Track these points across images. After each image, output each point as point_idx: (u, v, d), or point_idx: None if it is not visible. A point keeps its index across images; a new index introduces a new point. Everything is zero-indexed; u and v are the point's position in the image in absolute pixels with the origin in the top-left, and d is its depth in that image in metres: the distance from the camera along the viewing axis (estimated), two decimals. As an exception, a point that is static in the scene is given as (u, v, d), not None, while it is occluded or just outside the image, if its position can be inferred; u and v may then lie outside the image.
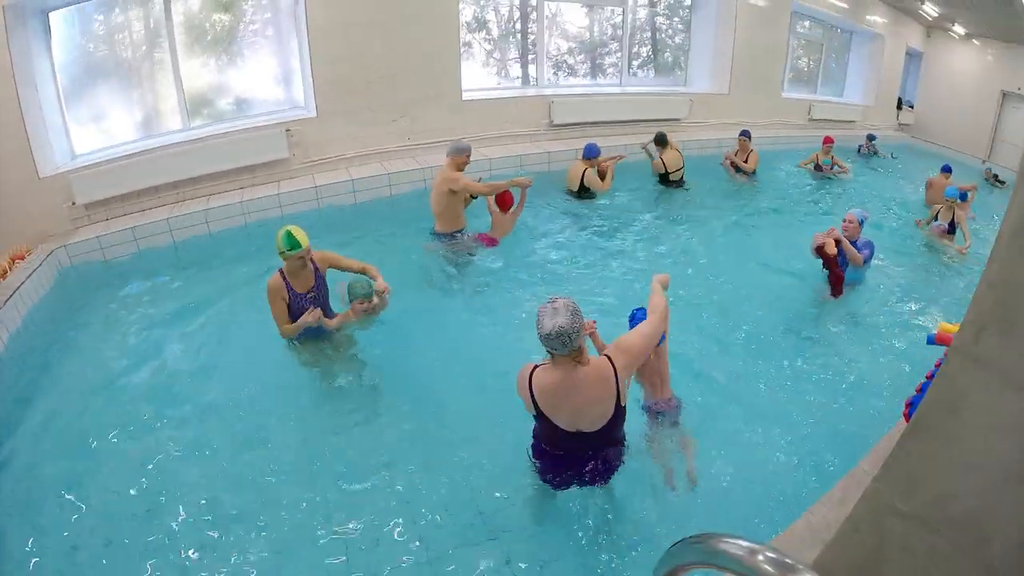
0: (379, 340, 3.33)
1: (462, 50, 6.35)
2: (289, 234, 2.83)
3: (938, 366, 1.89)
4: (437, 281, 4.16)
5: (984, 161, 10.15)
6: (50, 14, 4.52)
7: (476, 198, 4.58)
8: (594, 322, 2.48)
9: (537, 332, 1.87)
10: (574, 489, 2.22)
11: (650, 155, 6.52)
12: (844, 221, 4.16)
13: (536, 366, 2.00)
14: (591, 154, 5.68)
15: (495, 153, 6.24)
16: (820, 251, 3.85)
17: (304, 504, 2.41)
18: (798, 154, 7.85)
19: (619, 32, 7.84)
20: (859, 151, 9.07)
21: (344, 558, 2.17)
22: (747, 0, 7.94)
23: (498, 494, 2.42)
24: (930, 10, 9.69)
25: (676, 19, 8.45)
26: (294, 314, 3.02)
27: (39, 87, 4.42)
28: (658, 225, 5.52)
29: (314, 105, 5.58)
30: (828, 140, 7.43)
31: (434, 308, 3.86)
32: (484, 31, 7.08)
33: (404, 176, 5.68)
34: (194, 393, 3.08)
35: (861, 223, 4.14)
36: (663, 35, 8.49)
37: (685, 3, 8.27)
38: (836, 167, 7.42)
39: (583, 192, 5.74)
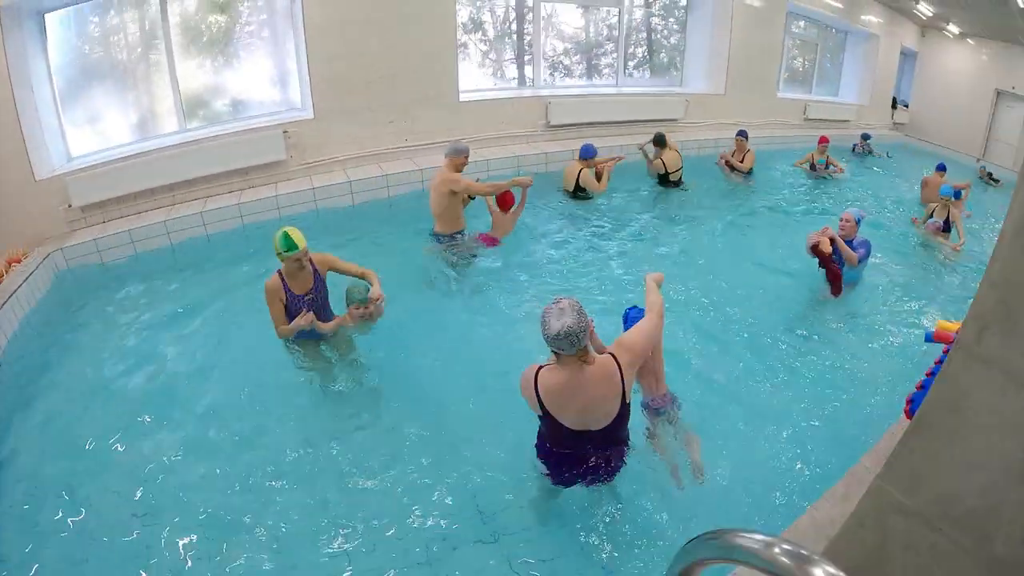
0: (380, 342, 3.32)
1: (458, 51, 6.35)
2: (286, 235, 2.83)
3: (938, 363, 1.90)
4: (438, 282, 4.16)
5: (979, 160, 10.21)
6: (46, 16, 4.50)
7: (474, 199, 4.57)
8: (591, 320, 2.48)
9: (543, 333, 1.87)
10: (578, 489, 2.22)
11: (646, 156, 6.53)
12: (841, 220, 4.18)
13: (540, 367, 2.01)
14: (587, 155, 5.69)
15: (493, 154, 6.24)
16: (815, 250, 3.87)
17: (304, 505, 2.40)
18: (794, 154, 7.88)
19: (615, 33, 7.86)
20: (853, 150, 9.12)
21: (346, 560, 2.17)
22: (743, 0, 7.97)
23: (500, 494, 2.42)
24: (925, 10, 9.75)
25: (671, 19, 8.47)
26: (292, 315, 3.01)
27: (35, 89, 4.40)
28: (656, 225, 5.53)
29: (311, 106, 5.58)
30: (823, 140, 7.46)
31: (435, 309, 3.86)
32: (480, 32, 7.08)
33: (402, 177, 5.67)
34: (193, 395, 3.07)
35: (858, 222, 4.16)
36: (658, 36, 8.50)
37: (681, 3, 8.29)
38: (831, 167, 7.45)
39: (578, 192, 5.75)
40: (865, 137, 9.19)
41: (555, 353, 1.93)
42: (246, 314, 3.66)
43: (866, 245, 4.19)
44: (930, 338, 2.57)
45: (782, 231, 5.44)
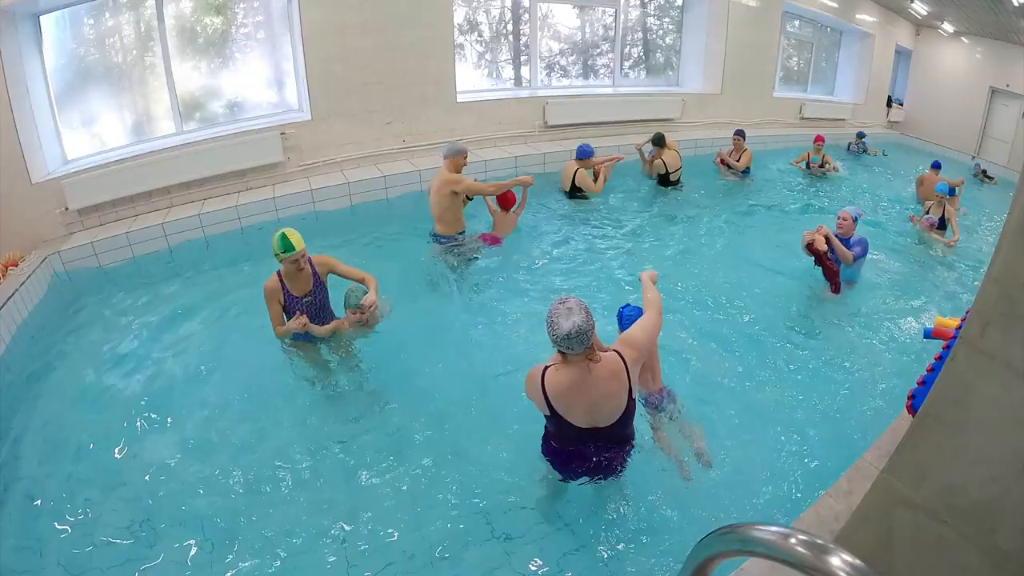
0: (382, 343, 3.31)
1: (455, 52, 6.35)
2: (284, 236, 2.83)
3: (938, 359, 1.91)
4: (439, 283, 4.15)
5: (973, 157, 10.27)
6: (41, 17, 4.48)
7: (472, 199, 4.58)
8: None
9: (552, 334, 1.87)
10: (584, 489, 2.22)
11: (643, 156, 6.55)
12: (838, 218, 4.20)
13: (546, 367, 2.01)
14: (583, 154, 5.69)
15: (490, 155, 6.24)
16: (810, 248, 3.89)
17: (306, 509, 2.39)
18: (790, 153, 7.91)
19: (610, 33, 7.88)
20: (848, 149, 9.17)
21: (351, 563, 2.16)
22: (738, 0, 8.00)
23: (506, 495, 2.41)
24: (919, 8, 9.81)
25: (667, 19, 8.50)
26: (291, 316, 3.01)
27: (31, 91, 4.38)
28: (655, 224, 5.55)
29: (308, 108, 5.57)
30: (819, 139, 7.49)
31: (436, 310, 3.85)
32: (476, 33, 7.08)
33: (400, 179, 5.67)
34: (192, 398, 3.06)
35: (855, 220, 4.18)
36: (654, 36, 8.53)
37: (676, 3, 8.31)
38: (827, 165, 7.47)
39: (574, 192, 5.75)
40: (860, 136, 9.23)
41: (562, 353, 1.94)
42: (245, 316, 3.65)
43: (862, 243, 4.20)
44: (929, 334, 2.59)
45: (780, 230, 5.46)
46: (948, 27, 10.47)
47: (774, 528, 0.59)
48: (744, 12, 8.12)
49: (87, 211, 4.67)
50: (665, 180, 6.33)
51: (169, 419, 2.92)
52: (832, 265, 3.96)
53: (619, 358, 1.99)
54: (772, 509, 2.25)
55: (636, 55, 8.42)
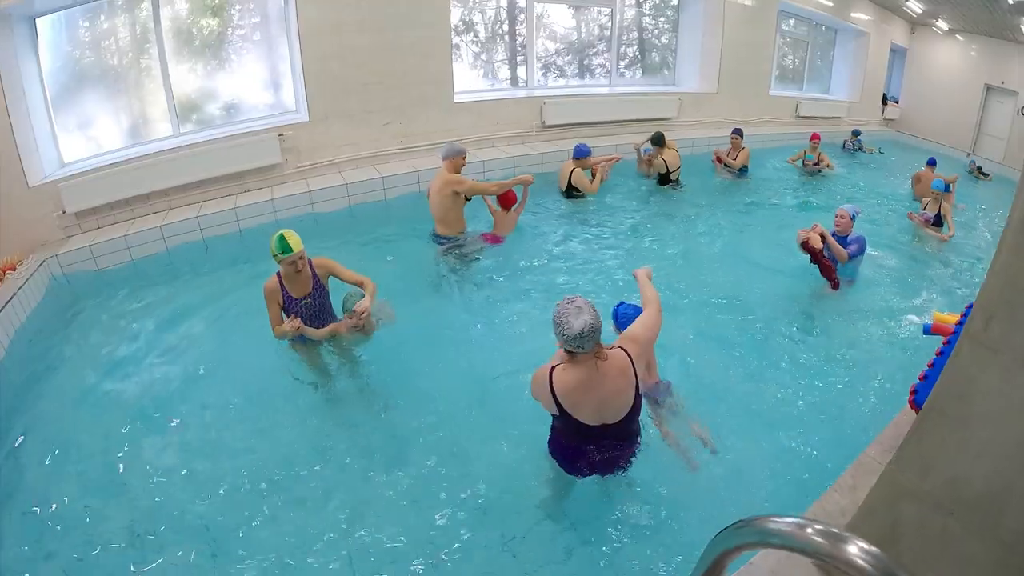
0: (383, 344, 3.30)
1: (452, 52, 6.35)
2: (282, 238, 2.83)
3: (939, 355, 1.92)
4: (442, 284, 4.15)
5: (969, 154, 10.32)
6: (37, 20, 4.46)
7: (470, 199, 4.57)
8: None
9: (563, 334, 1.87)
10: (589, 487, 2.23)
11: (639, 155, 6.57)
12: (836, 216, 4.21)
13: (553, 367, 2.02)
14: (580, 154, 5.69)
15: (488, 155, 6.25)
16: (805, 246, 3.91)
17: (308, 512, 2.38)
18: (787, 151, 7.94)
19: (606, 33, 7.89)
20: (844, 147, 9.21)
21: (355, 567, 2.15)
22: (734, -1, 8.03)
23: (511, 496, 2.40)
24: (914, 6, 9.85)
25: (662, 19, 8.51)
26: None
27: (27, 94, 4.37)
28: (654, 223, 5.55)
29: (306, 109, 5.56)
30: (815, 137, 7.52)
31: (437, 311, 3.85)
32: (471, 33, 7.08)
33: (399, 179, 5.67)
34: (192, 401, 3.05)
35: (853, 218, 4.19)
36: (649, 35, 8.54)
37: (672, 3, 8.33)
38: (821, 163, 7.49)
39: (571, 192, 5.75)
40: (855, 133, 9.27)
41: (570, 352, 1.94)
42: (245, 318, 3.64)
43: (859, 241, 4.21)
44: (928, 330, 2.60)
45: (778, 227, 5.47)
46: (943, 25, 10.52)
47: (789, 519, 0.61)
48: (740, 11, 8.14)
49: (84, 214, 4.65)
50: (665, 179, 6.34)
51: (169, 422, 2.91)
52: (828, 263, 3.98)
53: (625, 355, 2.00)
54: (777, 506, 2.25)
55: (632, 55, 8.44)
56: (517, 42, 7.27)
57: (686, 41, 8.39)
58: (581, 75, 8.00)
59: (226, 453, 2.71)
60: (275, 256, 2.86)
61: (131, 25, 4.96)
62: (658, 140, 6.22)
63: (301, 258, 2.89)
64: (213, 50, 5.41)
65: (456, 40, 6.75)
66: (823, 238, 3.95)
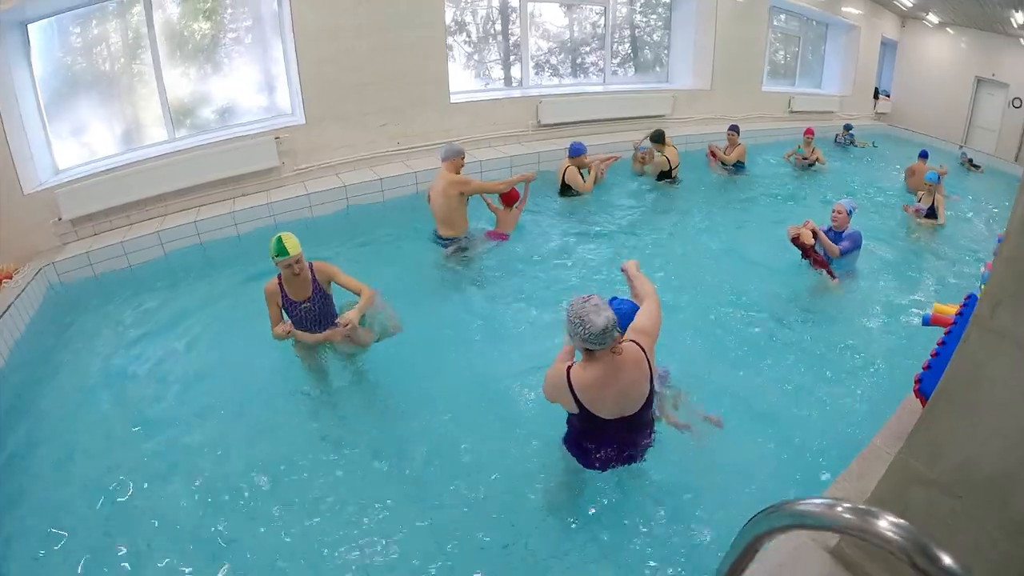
0: (384, 345, 3.30)
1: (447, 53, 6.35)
2: (279, 240, 2.83)
3: (941, 344, 1.95)
4: (445, 285, 4.15)
5: (960, 147, 10.39)
6: (29, 26, 4.44)
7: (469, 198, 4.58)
8: None
9: (584, 332, 1.88)
10: (600, 483, 2.23)
11: (635, 153, 6.59)
12: (833, 212, 4.23)
13: (569, 366, 2.03)
14: (574, 152, 5.69)
15: (485, 155, 6.25)
16: (796, 242, 3.94)
17: (310, 514, 2.36)
18: (781, 146, 7.98)
19: (598, 31, 7.91)
20: (836, 141, 9.27)
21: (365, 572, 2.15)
22: (726, -5, 8.07)
23: (516, 494, 2.40)
24: (904, 0, 9.92)
25: (654, 16, 8.54)
26: (292, 320, 3.01)
27: (20, 101, 4.34)
28: (653, 220, 5.57)
29: (302, 112, 5.55)
30: (809, 131, 7.56)
31: (438, 311, 3.84)
32: (464, 34, 7.08)
33: (396, 180, 5.66)
34: (193, 405, 3.04)
35: (850, 213, 4.22)
36: (642, 33, 8.57)
37: (664, 0, 8.36)
38: (809, 157, 7.52)
39: (566, 191, 5.77)
40: (847, 128, 9.33)
41: (588, 351, 1.95)
42: (245, 322, 3.62)
43: (853, 237, 4.23)
44: (927, 321, 2.63)
45: (776, 222, 5.49)
46: (933, 18, 10.59)
47: (818, 500, 0.63)
48: (732, 7, 8.18)
49: (81, 221, 4.63)
50: (665, 176, 6.36)
51: (170, 424, 2.90)
52: (819, 258, 4.01)
53: (638, 347, 2.03)
54: (787, 496, 2.25)
55: (624, 52, 8.46)
56: (510, 41, 7.27)
57: (679, 38, 8.42)
58: (574, 74, 8.01)
59: (227, 454, 2.70)
60: (273, 258, 2.86)
61: (123, 30, 4.94)
62: (658, 137, 6.23)
63: (298, 261, 2.88)
64: (207, 54, 5.39)
65: (448, 41, 6.75)
66: (815, 234, 3.98)
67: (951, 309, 2.54)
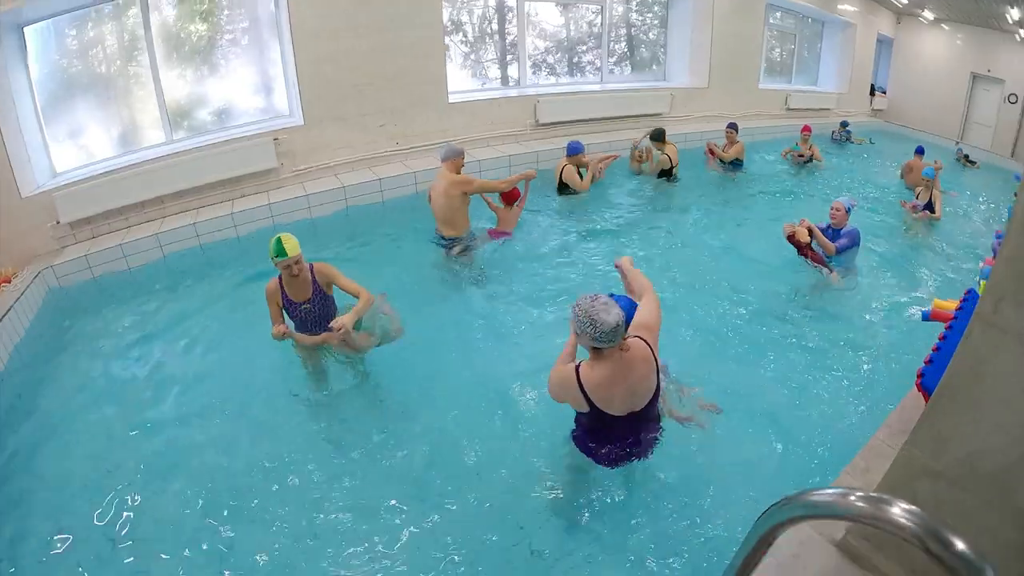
0: (387, 346, 3.31)
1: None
2: (278, 241, 2.83)
3: (942, 339, 1.96)
4: (446, 285, 4.15)
5: (957, 143, 10.43)
6: (25, 29, 4.42)
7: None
8: None
9: (596, 331, 1.87)
10: (606, 481, 2.24)
11: (633, 152, 6.60)
12: (831, 209, 4.24)
13: (577, 366, 2.03)
14: (572, 151, 5.70)
15: (483, 154, 6.26)
16: (791, 239, 3.96)
17: (310, 517, 2.36)
18: (778, 144, 8.00)
19: (595, 29, 7.91)
20: (832, 137, 9.30)
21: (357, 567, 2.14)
22: (723, -7, 8.08)
23: (518, 494, 2.40)
24: (900, -4, 9.95)
25: (650, 15, 8.55)
26: (293, 320, 3.02)
27: (17, 104, 4.33)
28: (652, 218, 5.59)
29: (300, 112, 5.54)
30: (806, 129, 7.59)
31: (439, 312, 3.84)
32: (461, 33, 7.07)
33: (395, 181, 5.66)
34: (193, 407, 3.04)
35: (848, 211, 4.22)
36: (638, 31, 8.58)
37: (661, -1, 8.38)
38: (805, 155, 7.55)
39: (563, 190, 5.77)
40: (844, 124, 9.36)
41: (596, 349, 1.95)
42: (245, 323, 3.63)
43: (851, 235, 4.23)
44: (927, 317, 2.64)
45: (775, 219, 5.51)
46: (928, 15, 10.62)
47: (831, 490, 0.64)
48: (728, 5, 8.19)
49: (79, 224, 4.62)
50: (666, 175, 6.37)
51: (171, 425, 2.90)
52: (815, 255, 4.02)
53: (644, 343, 2.04)
54: (792, 491, 2.26)
55: (621, 51, 8.47)
56: (507, 41, 7.27)
57: (676, 36, 8.43)
58: (571, 73, 8.01)
59: (228, 454, 2.70)
60: (272, 259, 2.86)
61: (120, 32, 4.92)
62: (659, 136, 6.24)
63: (297, 262, 2.88)
64: (204, 55, 5.38)
65: (445, 40, 6.74)
66: (810, 232, 3.99)
67: (951, 304, 2.56)
